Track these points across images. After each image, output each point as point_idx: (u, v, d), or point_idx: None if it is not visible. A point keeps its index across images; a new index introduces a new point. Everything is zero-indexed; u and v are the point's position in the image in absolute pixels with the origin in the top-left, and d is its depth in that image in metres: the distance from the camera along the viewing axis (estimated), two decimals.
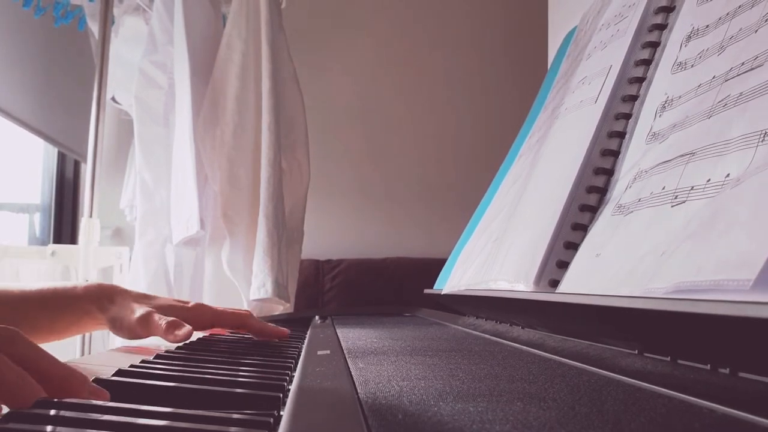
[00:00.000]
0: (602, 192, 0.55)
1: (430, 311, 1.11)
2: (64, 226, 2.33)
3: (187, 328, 0.62)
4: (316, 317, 1.01)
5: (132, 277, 1.58)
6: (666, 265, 0.37)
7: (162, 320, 0.63)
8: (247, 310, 0.72)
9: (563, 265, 0.54)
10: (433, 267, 1.08)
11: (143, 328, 0.64)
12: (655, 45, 0.60)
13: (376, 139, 2.47)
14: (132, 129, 1.66)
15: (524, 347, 0.56)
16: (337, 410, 0.30)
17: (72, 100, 2.09)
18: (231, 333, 0.76)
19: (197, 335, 0.74)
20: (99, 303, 0.68)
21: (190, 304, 0.71)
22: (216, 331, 0.75)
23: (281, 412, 0.33)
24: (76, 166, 2.36)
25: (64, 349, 0.43)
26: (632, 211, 0.47)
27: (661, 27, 0.60)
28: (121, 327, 0.66)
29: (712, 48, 0.47)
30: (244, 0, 1.43)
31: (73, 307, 0.68)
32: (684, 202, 0.40)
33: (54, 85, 2.04)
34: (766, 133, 0.35)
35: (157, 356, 0.52)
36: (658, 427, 0.26)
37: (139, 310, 0.65)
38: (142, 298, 0.70)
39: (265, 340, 0.70)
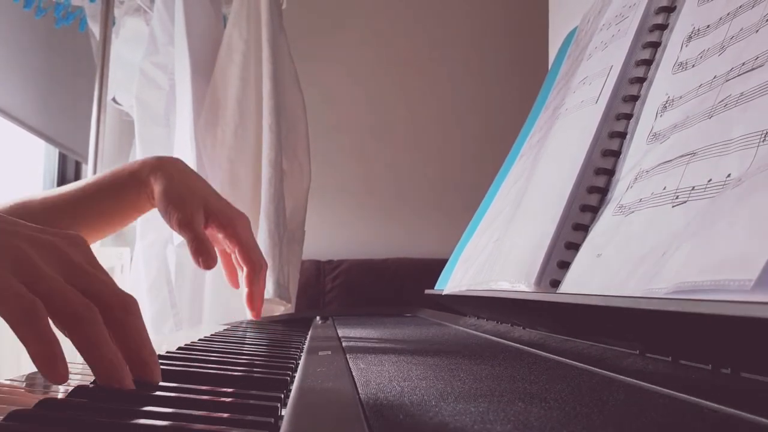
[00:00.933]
0: (603, 192, 0.55)
1: (431, 312, 1.11)
2: None
3: (213, 253, 0.62)
4: (317, 318, 1.01)
5: (133, 278, 1.58)
6: (667, 266, 0.37)
7: (193, 242, 0.62)
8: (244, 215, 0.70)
9: (564, 266, 0.54)
10: (434, 267, 1.08)
11: (179, 230, 0.63)
12: (655, 45, 0.60)
13: (377, 139, 2.47)
14: (133, 130, 1.66)
15: (525, 347, 0.56)
16: (338, 411, 0.30)
17: (73, 101, 2.09)
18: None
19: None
20: (154, 174, 0.66)
21: (235, 211, 0.70)
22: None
23: (282, 413, 0.33)
24: (77, 167, 2.36)
25: (67, 348, 0.43)
26: (633, 212, 0.47)
27: (662, 27, 0.60)
28: (165, 211, 0.65)
29: (712, 48, 0.47)
30: (245, 0, 1.44)
31: (130, 186, 0.66)
32: (685, 202, 0.40)
33: (55, 86, 2.04)
34: (767, 133, 0.35)
35: (158, 357, 0.52)
36: (660, 427, 0.26)
37: (181, 211, 0.64)
38: (197, 185, 0.67)
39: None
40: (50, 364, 0.34)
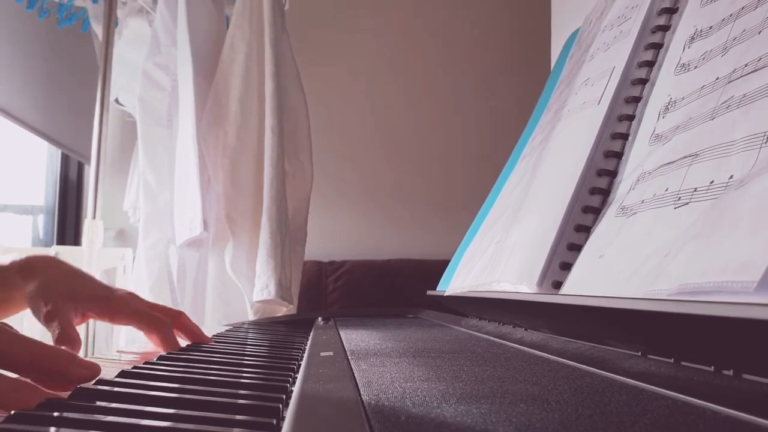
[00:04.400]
0: (605, 193, 0.55)
1: (433, 313, 1.11)
2: (67, 227, 2.33)
3: (75, 347, 0.57)
4: (319, 318, 1.01)
5: (135, 279, 1.58)
6: (669, 267, 0.37)
7: (57, 328, 0.58)
8: (168, 321, 0.66)
9: (566, 267, 0.54)
10: (437, 268, 1.08)
11: (47, 326, 0.59)
12: (658, 46, 0.60)
13: (379, 140, 2.47)
14: (135, 131, 1.66)
15: (527, 349, 0.56)
16: (340, 412, 0.30)
17: (75, 101, 2.09)
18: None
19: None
20: (23, 275, 0.62)
21: (120, 292, 0.66)
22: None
23: (284, 414, 0.33)
24: (80, 167, 2.37)
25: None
26: (635, 213, 0.47)
27: (665, 28, 0.60)
28: (36, 311, 0.61)
29: (715, 49, 0.47)
30: (248, 1, 1.44)
31: (1, 282, 0.62)
32: (687, 203, 0.40)
33: (57, 87, 2.04)
34: None
35: (160, 357, 0.52)
36: (662, 429, 0.26)
37: (50, 304, 0.60)
38: (65, 277, 0.64)
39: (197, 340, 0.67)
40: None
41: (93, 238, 1.56)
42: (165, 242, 1.55)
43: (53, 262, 0.65)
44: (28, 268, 0.63)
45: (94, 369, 0.40)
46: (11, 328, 0.41)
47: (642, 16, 0.64)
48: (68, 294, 0.62)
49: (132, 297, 0.67)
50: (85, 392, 0.36)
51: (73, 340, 0.58)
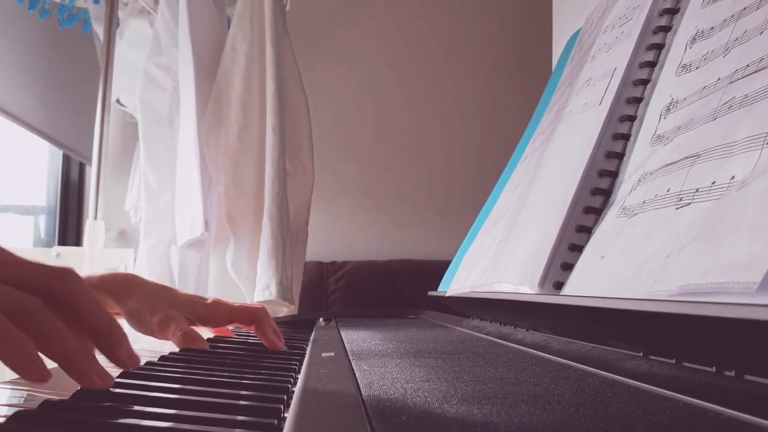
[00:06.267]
0: (607, 194, 0.55)
1: (434, 313, 1.11)
2: (69, 228, 2.33)
3: (203, 344, 0.61)
4: (321, 319, 1.01)
5: None
6: (671, 268, 0.37)
7: (179, 331, 0.62)
8: (262, 307, 0.70)
9: (568, 267, 0.54)
10: (438, 269, 1.08)
11: (161, 332, 0.64)
12: (659, 47, 0.60)
13: (380, 141, 2.47)
14: (137, 131, 1.66)
15: (529, 349, 0.56)
16: (341, 412, 0.30)
17: (77, 102, 2.09)
18: (238, 328, 0.75)
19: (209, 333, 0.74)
20: (116, 294, 0.66)
21: (208, 301, 0.70)
22: (222, 331, 0.75)
23: (285, 414, 0.33)
24: (81, 168, 2.37)
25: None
26: (637, 213, 0.47)
27: (666, 29, 0.60)
28: (139, 323, 0.65)
29: (717, 50, 0.47)
30: (249, 2, 1.44)
31: None
32: (689, 204, 0.40)
33: (59, 87, 2.04)
34: None
35: (162, 358, 0.52)
36: (664, 429, 0.26)
37: (158, 313, 0.65)
38: (161, 291, 0.68)
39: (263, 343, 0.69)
40: (25, 363, 0.33)
41: (94, 238, 1.56)
42: (166, 243, 1.55)
43: (141, 280, 0.69)
44: (118, 286, 0.67)
45: (135, 361, 0.41)
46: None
47: (643, 17, 0.64)
48: (171, 304, 0.66)
49: (220, 301, 0.71)
50: (85, 392, 0.36)
51: (199, 338, 0.61)
